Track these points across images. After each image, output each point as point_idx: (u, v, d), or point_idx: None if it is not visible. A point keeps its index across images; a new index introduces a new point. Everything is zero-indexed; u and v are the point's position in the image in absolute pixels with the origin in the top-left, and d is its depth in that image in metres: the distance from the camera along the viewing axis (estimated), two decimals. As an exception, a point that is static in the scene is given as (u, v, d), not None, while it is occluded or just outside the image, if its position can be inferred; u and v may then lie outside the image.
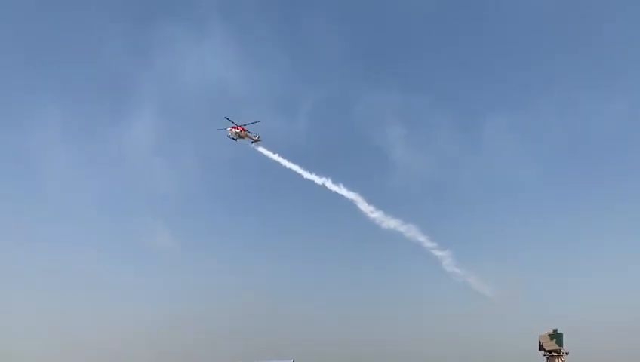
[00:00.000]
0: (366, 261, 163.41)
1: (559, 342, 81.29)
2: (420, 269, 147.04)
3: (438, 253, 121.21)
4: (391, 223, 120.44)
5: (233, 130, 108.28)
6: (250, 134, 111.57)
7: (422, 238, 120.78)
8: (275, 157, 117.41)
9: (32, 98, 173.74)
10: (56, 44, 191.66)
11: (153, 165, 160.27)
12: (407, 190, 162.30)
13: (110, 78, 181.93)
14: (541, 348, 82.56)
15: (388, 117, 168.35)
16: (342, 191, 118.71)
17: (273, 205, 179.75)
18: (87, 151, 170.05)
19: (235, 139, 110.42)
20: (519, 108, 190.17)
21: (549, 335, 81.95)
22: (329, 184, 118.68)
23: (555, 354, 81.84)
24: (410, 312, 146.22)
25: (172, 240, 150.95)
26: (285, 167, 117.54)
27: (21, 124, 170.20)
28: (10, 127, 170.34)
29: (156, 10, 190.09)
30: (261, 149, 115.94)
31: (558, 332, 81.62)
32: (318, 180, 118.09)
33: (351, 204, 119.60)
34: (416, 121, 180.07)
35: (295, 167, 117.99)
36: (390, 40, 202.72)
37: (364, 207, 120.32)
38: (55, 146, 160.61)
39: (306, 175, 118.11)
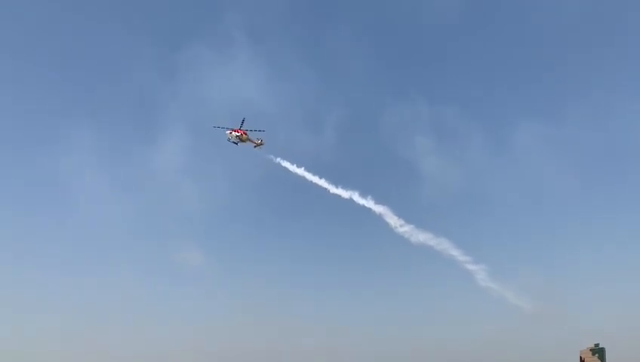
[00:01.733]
0: (396, 276, 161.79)
1: (602, 358, 74.77)
2: (453, 284, 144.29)
3: (471, 267, 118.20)
4: (421, 237, 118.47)
5: (233, 133, 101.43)
6: (252, 138, 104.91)
7: (454, 252, 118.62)
8: (301, 171, 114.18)
9: (65, 122, 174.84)
10: (86, 69, 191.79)
11: (182, 185, 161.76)
12: (438, 202, 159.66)
13: (139, 100, 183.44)
14: (582, 363, 77.85)
15: (416, 129, 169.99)
16: (370, 204, 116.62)
17: (300, 221, 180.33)
18: (118, 172, 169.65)
19: (236, 143, 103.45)
20: (550, 115, 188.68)
21: (590, 350, 75.97)
22: (356, 198, 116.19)
23: (597, 370, 76.75)
24: (443, 329, 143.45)
25: (203, 257, 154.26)
26: (312, 181, 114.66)
27: (54, 148, 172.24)
28: (44, 151, 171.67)
29: (183, 32, 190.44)
30: (286, 164, 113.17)
31: (600, 347, 75.21)
32: (344, 194, 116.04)
33: (379, 218, 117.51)
34: (444, 132, 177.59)
35: (321, 182, 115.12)
36: (415, 52, 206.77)
37: (393, 220, 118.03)
38: (87, 169, 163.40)
39: (332, 189, 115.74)
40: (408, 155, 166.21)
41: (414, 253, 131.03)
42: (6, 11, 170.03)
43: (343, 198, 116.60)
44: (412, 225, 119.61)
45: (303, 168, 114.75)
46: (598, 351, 74.76)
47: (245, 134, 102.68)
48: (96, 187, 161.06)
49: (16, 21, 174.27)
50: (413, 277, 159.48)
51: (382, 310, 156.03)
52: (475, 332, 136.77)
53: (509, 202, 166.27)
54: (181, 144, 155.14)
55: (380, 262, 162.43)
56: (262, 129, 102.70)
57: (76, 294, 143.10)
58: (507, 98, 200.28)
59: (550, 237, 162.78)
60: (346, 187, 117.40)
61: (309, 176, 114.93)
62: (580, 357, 77.23)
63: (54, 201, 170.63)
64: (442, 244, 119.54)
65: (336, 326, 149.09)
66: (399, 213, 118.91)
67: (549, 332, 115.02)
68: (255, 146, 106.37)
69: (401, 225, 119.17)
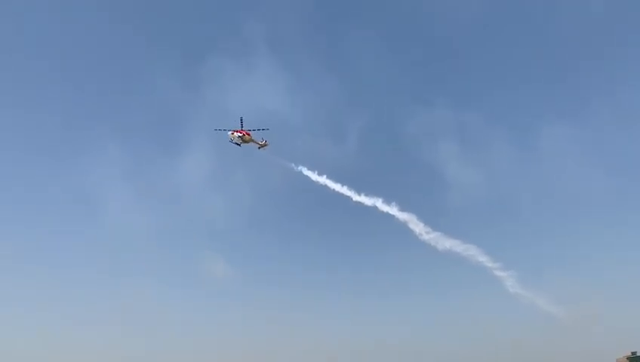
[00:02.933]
0: (423, 285, 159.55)
1: (639, 367, 68.50)
2: (482, 291, 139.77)
3: (500, 273, 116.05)
4: (447, 243, 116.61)
5: (235, 133, 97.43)
6: (256, 139, 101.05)
7: (482, 258, 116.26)
8: (323, 179, 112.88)
9: (90, 135, 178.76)
10: (110, 83, 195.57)
11: (208, 197, 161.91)
12: (463, 208, 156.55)
13: (164, 112, 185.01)
14: (618, 372, 71.77)
15: (439, 134, 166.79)
16: (394, 212, 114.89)
17: (324, 230, 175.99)
18: (143, 184, 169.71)
19: (239, 145, 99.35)
20: (575, 116, 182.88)
21: (627, 358, 68.81)
22: (380, 205, 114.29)
23: (634, 380, 69.75)
24: (472, 337, 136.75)
25: (230, 269, 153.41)
26: (334, 190, 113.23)
27: (82, 163, 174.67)
28: (72, 166, 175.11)
29: (205, 44, 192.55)
30: (308, 173, 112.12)
31: (638, 355, 68.48)
32: (368, 202, 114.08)
33: (403, 225, 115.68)
34: (469, 138, 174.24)
35: (344, 190, 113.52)
36: (437, 56, 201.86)
37: (418, 227, 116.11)
38: (113, 182, 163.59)
39: (356, 197, 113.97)
40: (432, 161, 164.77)
41: (441, 260, 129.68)
42: (31, 29, 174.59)
43: (367, 206, 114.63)
44: (438, 232, 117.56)
45: (324, 176, 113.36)
46: (635, 360, 68.02)
47: (248, 135, 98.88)
48: (122, 199, 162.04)
49: (41, 39, 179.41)
50: (440, 286, 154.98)
51: (410, 319, 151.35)
52: (506, 339, 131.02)
53: (537, 206, 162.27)
54: (205, 155, 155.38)
55: (406, 271, 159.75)
56: (265, 128, 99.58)
57: (102, 306, 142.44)
58: (531, 100, 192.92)
59: (581, 241, 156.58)
60: (369, 194, 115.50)
61: (332, 184, 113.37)
62: (616, 366, 72.53)
63: (81, 215, 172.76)
64: (469, 251, 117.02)
65: (361, 335, 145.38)
66: (424, 220, 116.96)
67: (582, 340, 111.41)
68: (259, 147, 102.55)
69: (426, 232, 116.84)
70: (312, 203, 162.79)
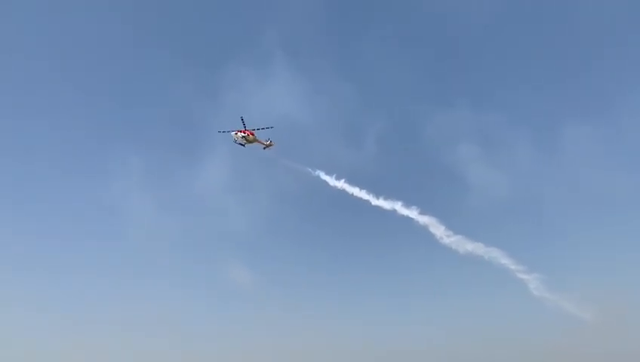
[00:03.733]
0: (445, 288, 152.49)
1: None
2: (505, 295, 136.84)
3: (524, 276, 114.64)
4: (469, 247, 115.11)
5: (239, 133, 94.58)
6: (260, 139, 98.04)
7: (505, 261, 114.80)
8: (341, 184, 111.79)
9: (111, 147, 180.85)
10: (130, 94, 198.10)
11: (227, 204, 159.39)
12: (485, 211, 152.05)
13: (184, 122, 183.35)
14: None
15: (459, 136, 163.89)
16: (414, 215, 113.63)
17: (343, 235, 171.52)
18: (164, 194, 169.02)
19: (243, 145, 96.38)
20: (599, 115, 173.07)
21: None
22: (400, 209, 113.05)
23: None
24: (496, 342, 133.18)
25: (250, 276, 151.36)
26: (352, 194, 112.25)
27: (103, 173, 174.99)
28: (93, 177, 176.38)
29: (223, 52, 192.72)
30: (326, 178, 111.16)
31: None
32: (387, 206, 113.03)
33: (424, 228, 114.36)
34: (489, 138, 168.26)
35: (363, 194, 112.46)
36: (455, 57, 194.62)
37: (439, 231, 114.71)
38: (134, 193, 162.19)
39: (374, 201, 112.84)
40: (453, 164, 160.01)
41: (463, 263, 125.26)
42: (52, 46, 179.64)
43: (386, 210, 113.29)
44: (459, 235, 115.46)
45: (343, 180, 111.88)
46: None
47: (252, 134, 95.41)
48: (144, 209, 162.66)
49: (63, 52, 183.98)
50: (463, 289, 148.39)
51: (432, 323, 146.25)
52: (531, 343, 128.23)
53: (560, 207, 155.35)
54: (224, 162, 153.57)
55: (427, 275, 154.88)
56: (269, 126, 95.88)
57: (126, 316, 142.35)
58: (552, 99, 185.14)
59: (606, 242, 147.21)
60: (388, 198, 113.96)
61: (350, 189, 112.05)
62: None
63: (105, 225, 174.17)
64: (492, 254, 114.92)
65: (382, 340, 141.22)
66: (445, 223, 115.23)
67: (610, 342, 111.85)
68: (265, 147, 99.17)
69: (447, 236, 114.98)
70: (331, 207, 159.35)
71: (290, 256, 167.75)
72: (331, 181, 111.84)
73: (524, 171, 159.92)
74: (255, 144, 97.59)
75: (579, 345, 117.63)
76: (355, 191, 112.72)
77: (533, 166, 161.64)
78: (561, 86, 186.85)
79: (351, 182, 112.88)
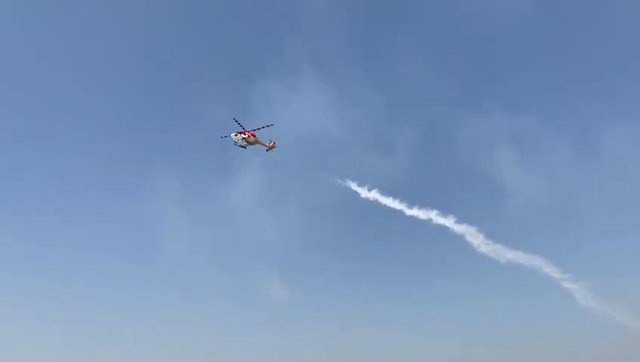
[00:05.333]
0: (485, 299, 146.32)
1: None
2: (550, 305, 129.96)
3: (570, 285, 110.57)
4: (509, 255, 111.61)
5: (239, 135, 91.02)
6: (262, 140, 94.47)
7: (549, 269, 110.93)
8: (373, 194, 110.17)
9: (147, 167, 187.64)
10: (164, 112, 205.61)
11: (261, 218, 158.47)
12: (525, 217, 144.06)
13: (215, 139, 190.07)
14: None
15: (494, 141, 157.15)
16: (450, 224, 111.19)
17: (379, 246, 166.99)
18: (199, 211, 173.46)
19: (244, 147, 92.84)
20: (637, 114, 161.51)
21: None
22: (435, 218, 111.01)
23: None
24: (542, 352, 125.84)
25: (287, 290, 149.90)
26: (385, 204, 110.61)
27: (139, 191, 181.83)
28: (130, 196, 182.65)
29: (252, 68, 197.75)
30: (358, 189, 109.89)
31: None
32: (422, 215, 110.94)
33: (461, 238, 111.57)
34: (526, 143, 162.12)
35: (396, 204, 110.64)
36: (486, 60, 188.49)
37: (477, 239, 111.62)
38: (171, 209, 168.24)
39: (409, 211, 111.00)
40: (488, 169, 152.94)
41: (503, 273, 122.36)
42: (89, 68, 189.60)
43: (422, 219, 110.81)
44: (499, 244, 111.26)
45: (376, 190, 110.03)
46: None
47: (253, 136, 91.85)
48: (180, 227, 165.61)
49: (99, 77, 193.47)
50: (504, 299, 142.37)
51: (474, 335, 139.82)
52: (579, 355, 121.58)
53: (604, 211, 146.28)
54: (256, 176, 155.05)
55: (466, 285, 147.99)
56: (270, 124, 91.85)
57: (164, 332, 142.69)
58: (589, 99, 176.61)
59: None
60: (423, 207, 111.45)
61: (383, 199, 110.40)
62: None
63: (140, 241, 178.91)
64: (534, 261, 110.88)
65: (422, 352, 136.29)
66: (483, 231, 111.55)
67: None
68: (267, 149, 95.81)
69: (486, 244, 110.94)
70: (366, 218, 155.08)
71: (325, 269, 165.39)
72: (363, 192, 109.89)
73: (563, 174, 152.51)
74: (257, 146, 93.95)
75: (629, 355, 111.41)
76: (389, 202, 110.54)
77: (573, 169, 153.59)
78: (598, 85, 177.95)
79: (384, 191, 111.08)
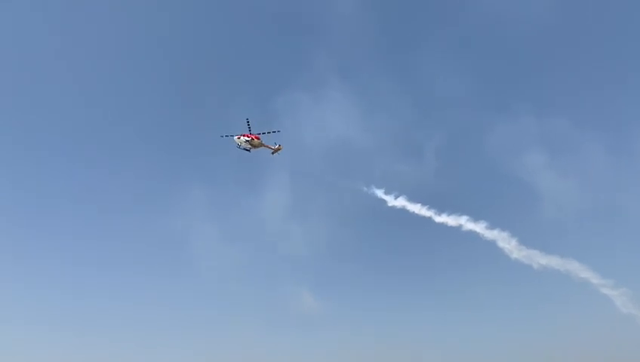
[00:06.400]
0: (520, 306, 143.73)
1: None
2: (588, 312, 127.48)
3: (610, 291, 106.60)
4: (543, 261, 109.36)
5: (242, 137, 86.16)
6: (267, 143, 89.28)
7: (586, 275, 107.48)
8: (401, 201, 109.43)
9: (176, 182, 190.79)
10: (190, 125, 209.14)
11: (289, 230, 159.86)
12: (559, 222, 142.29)
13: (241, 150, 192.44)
14: None
15: (524, 144, 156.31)
16: (482, 230, 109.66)
17: (408, 255, 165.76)
18: (227, 223, 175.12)
19: (248, 150, 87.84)
20: None
21: None
22: (466, 224, 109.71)
23: None
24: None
25: (317, 302, 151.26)
26: (413, 212, 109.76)
27: (170, 208, 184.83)
28: (161, 213, 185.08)
29: (278, 79, 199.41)
30: (386, 197, 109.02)
31: None
32: (452, 222, 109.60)
33: (492, 244, 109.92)
34: (557, 145, 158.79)
35: (425, 211, 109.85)
36: (514, 61, 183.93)
37: (510, 245, 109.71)
38: (199, 223, 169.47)
39: (438, 217, 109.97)
40: (519, 173, 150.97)
41: (538, 279, 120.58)
42: (116, 84, 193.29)
43: (452, 226, 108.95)
44: (532, 249, 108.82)
45: (404, 198, 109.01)
46: None
47: (257, 138, 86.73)
48: (208, 241, 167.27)
49: (127, 94, 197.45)
50: (539, 307, 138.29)
51: (509, 344, 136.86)
52: None
53: None
54: (282, 187, 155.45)
55: (499, 293, 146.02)
56: (276, 130, 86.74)
57: (197, 347, 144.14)
58: (621, 99, 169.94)
59: None
60: (453, 213, 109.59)
61: (411, 206, 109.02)
62: None
63: (172, 260, 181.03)
64: (570, 267, 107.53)
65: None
66: (516, 237, 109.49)
67: None
68: (273, 152, 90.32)
69: (519, 250, 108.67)
70: (394, 226, 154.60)
71: (355, 279, 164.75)
72: (390, 200, 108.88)
73: (597, 177, 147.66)
74: (261, 149, 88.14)
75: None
76: (417, 209, 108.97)
77: (607, 171, 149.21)
78: (631, 84, 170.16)
79: (414, 198, 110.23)
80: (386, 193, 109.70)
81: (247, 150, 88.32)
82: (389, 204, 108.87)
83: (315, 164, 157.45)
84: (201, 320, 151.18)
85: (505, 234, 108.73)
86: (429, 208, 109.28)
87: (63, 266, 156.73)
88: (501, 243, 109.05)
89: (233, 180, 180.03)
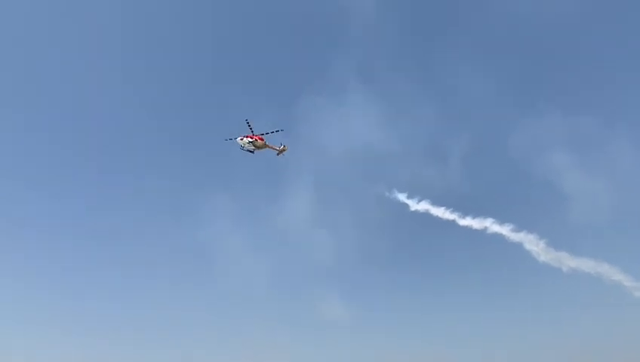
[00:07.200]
0: (550, 310, 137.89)
1: None
2: (621, 316, 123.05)
3: None
4: (572, 263, 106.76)
5: (245, 139, 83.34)
6: (272, 144, 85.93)
7: (618, 278, 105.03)
8: (426, 206, 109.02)
9: (200, 192, 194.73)
10: (214, 134, 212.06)
11: (315, 237, 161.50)
12: (588, 223, 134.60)
13: (263, 157, 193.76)
14: None
15: (551, 144, 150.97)
16: (509, 233, 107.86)
17: (435, 261, 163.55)
18: (252, 233, 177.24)
19: (252, 151, 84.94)
20: None
21: None
22: (492, 226, 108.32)
23: None
24: None
25: (346, 309, 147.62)
26: (437, 216, 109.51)
27: (194, 218, 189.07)
28: (185, 223, 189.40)
29: (295, 85, 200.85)
30: (409, 201, 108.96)
31: None
32: (477, 225, 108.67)
33: (519, 246, 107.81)
34: (585, 144, 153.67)
35: (448, 214, 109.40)
36: (538, 59, 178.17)
37: (537, 247, 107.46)
38: (224, 232, 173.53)
39: (462, 221, 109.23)
40: (546, 174, 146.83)
41: (567, 282, 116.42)
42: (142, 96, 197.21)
43: (477, 229, 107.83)
44: (561, 252, 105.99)
45: (427, 201, 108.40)
46: None
47: (261, 139, 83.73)
48: (234, 250, 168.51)
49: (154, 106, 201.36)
50: (570, 311, 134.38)
51: (538, 350, 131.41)
52: None
53: None
54: (305, 194, 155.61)
55: (529, 296, 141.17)
56: (279, 129, 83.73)
57: (226, 356, 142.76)
58: None
59: None
60: (478, 216, 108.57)
61: (435, 210, 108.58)
62: None
63: (198, 270, 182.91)
64: (601, 269, 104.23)
65: None
66: (545, 239, 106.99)
67: None
68: (278, 153, 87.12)
69: (546, 252, 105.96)
70: (419, 230, 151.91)
71: (382, 284, 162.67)
72: (413, 204, 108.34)
73: (627, 176, 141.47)
74: (265, 150, 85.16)
75: None
76: (440, 212, 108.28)
77: (637, 169, 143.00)
78: None
79: (437, 202, 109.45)
80: (410, 197, 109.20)
81: (250, 151, 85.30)
82: (412, 209, 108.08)
83: (337, 170, 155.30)
84: (228, 330, 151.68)
85: (532, 237, 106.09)
86: (453, 211, 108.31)
87: (88, 275, 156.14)
88: (528, 246, 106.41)
89: (255, 185, 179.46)
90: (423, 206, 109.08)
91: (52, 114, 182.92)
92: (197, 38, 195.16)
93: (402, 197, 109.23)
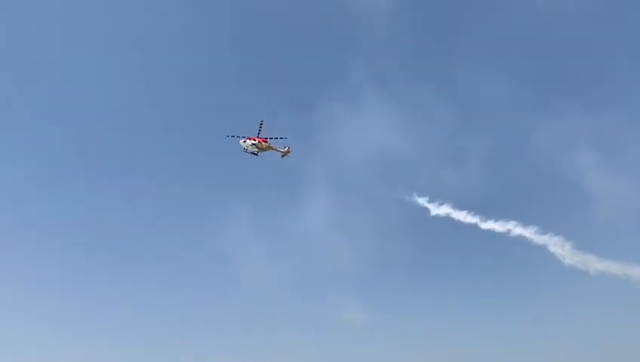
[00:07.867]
0: (579, 313, 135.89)
1: None
2: None
3: None
4: (600, 266, 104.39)
5: (248, 141, 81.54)
6: (276, 146, 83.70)
7: None
8: (447, 210, 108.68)
9: (222, 199, 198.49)
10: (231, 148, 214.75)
11: (334, 242, 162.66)
12: (615, 224, 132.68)
13: (280, 164, 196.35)
14: None
15: (574, 143, 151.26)
16: (533, 236, 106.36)
17: (457, 265, 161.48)
18: (271, 239, 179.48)
19: (256, 154, 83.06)
20: None
21: None
22: (515, 229, 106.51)
23: None
24: None
25: (366, 314, 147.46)
26: (458, 219, 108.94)
27: (214, 226, 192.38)
28: (206, 231, 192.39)
29: (311, 91, 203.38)
30: (429, 205, 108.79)
31: None
32: (499, 228, 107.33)
33: (544, 249, 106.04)
34: (608, 143, 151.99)
35: (470, 217, 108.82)
36: (557, 58, 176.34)
37: (563, 250, 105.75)
38: (243, 238, 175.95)
39: (484, 224, 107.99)
40: (569, 174, 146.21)
41: (595, 285, 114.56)
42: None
43: (500, 232, 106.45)
44: (588, 254, 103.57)
45: (448, 205, 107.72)
46: None
47: (265, 142, 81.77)
48: (253, 255, 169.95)
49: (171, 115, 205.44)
50: (599, 314, 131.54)
51: (566, 353, 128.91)
52: None
53: None
54: (324, 199, 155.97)
55: (552, 299, 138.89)
56: (284, 136, 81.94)
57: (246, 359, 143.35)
58: None
59: None
60: (500, 219, 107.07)
61: (456, 214, 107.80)
62: None
63: (218, 276, 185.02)
64: (630, 272, 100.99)
65: None
66: (570, 241, 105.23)
67: None
68: (282, 156, 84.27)
69: (572, 254, 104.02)
70: (440, 234, 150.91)
71: (404, 289, 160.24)
72: (434, 208, 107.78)
73: None
74: (269, 152, 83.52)
75: None
76: (462, 216, 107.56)
77: None
78: None
79: (458, 205, 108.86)
80: (430, 201, 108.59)
81: (254, 154, 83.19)
82: (433, 213, 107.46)
83: (356, 174, 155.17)
84: (248, 335, 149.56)
85: (557, 239, 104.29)
86: (474, 214, 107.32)
87: (112, 285, 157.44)
88: (553, 248, 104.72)
89: (273, 190, 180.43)
90: (443, 210, 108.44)
91: (68, 116, 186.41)
92: (218, 47, 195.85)
93: (423, 201, 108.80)
